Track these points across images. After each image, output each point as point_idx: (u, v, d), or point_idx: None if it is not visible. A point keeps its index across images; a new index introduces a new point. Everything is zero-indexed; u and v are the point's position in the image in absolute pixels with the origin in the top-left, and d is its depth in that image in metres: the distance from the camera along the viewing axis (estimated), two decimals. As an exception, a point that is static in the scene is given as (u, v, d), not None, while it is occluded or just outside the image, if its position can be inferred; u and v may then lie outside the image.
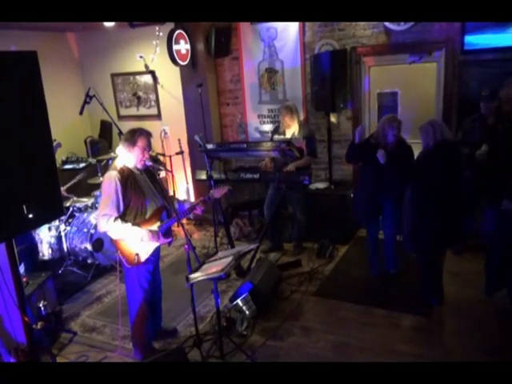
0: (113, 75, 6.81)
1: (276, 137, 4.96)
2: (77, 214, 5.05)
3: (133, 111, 6.82)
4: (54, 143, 4.60)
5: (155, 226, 3.22)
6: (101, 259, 4.87)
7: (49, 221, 4.04)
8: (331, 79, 4.95)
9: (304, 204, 5.00)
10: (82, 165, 6.07)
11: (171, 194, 6.15)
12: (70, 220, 5.02)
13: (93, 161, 5.92)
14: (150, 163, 3.23)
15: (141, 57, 6.39)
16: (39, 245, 4.91)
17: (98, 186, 5.15)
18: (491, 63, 4.54)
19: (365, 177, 4.25)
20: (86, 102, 4.67)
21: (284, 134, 4.89)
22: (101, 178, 5.06)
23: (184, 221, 3.73)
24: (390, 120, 3.98)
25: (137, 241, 3.14)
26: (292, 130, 4.84)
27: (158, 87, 6.54)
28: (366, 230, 4.54)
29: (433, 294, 3.90)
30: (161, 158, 6.32)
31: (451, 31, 4.68)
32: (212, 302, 4.04)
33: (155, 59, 6.23)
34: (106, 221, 3.03)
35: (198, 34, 5.73)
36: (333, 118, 5.49)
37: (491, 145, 4.06)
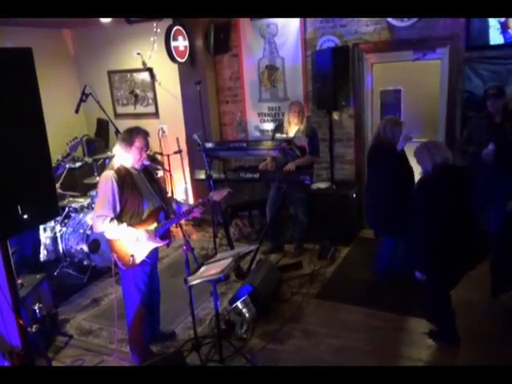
0: (109, 72, 6.81)
1: (278, 135, 4.96)
2: (73, 215, 5.05)
3: (130, 109, 6.82)
4: (76, 140, 4.59)
5: (152, 228, 3.21)
6: (97, 261, 4.86)
7: (44, 221, 4.04)
8: (333, 76, 4.95)
9: (306, 204, 5.00)
10: (78, 164, 6.07)
11: (169, 194, 6.14)
12: (66, 221, 5.01)
13: (89, 160, 5.91)
14: (147, 163, 3.23)
15: (138, 54, 6.38)
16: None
17: (94, 186, 5.15)
18: (496, 60, 4.54)
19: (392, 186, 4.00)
20: (82, 100, 4.68)
21: (286, 132, 4.89)
22: (97, 178, 5.05)
23: (182, 221, 3.73)
24: (393, 123, 4.00)
25: (133, 241, 3.14)
26: (296, 128, 4.84)
27: (156, 85, 6.53)
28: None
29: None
30: (158, 157, 6.32)
31: (456, 27, 4.68)
32: (211, 304, 4.04)
33: (153, 56, 6.23)
34: (101, 221, 3.03)
35: (197, 30, 5.72)
36: (335, 117, 5.49)
37: (498, 144, 4.06)
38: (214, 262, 3.34)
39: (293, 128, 4.86)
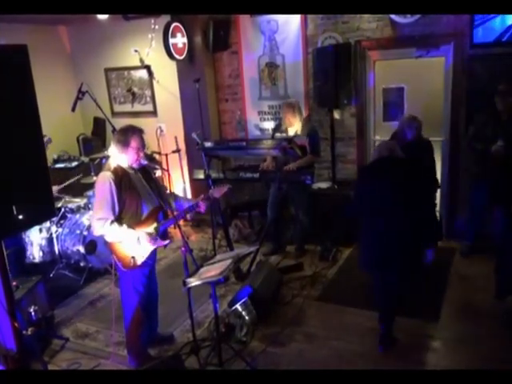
0: (106, 70, 6.81)
1: (278, 135, 4.97)
2: (69, 215, 5.05)
3: (127, 108, 6.82)
4: (44, 139, 4.59)
5: (151, 228, 3.21)
6: (94, 262, 4.86)
7: (40, 222, 4.03)
8: (334, 74, 4.95)
9: (307, 204, 5.00)
10: (74, 163, 6.07)
11: (168, 191, 6.15)
12: (62, 221, 5.01)
13: (86, 159, 5.91)
14: (145, 162, 3.22)
15: (136, 51, 6.37)
16: (29, 247, 4.90)
17: (91, 186, 5.15)
18: (502, 57, 4.54)
19: None
20: (78, 98, 4.67)
21: (286, 131, 4.90)
22: (94, 178, 5.06)
23: (181, 222, 3.73)
24: (409, 121, 4.22)
25: (133, 243, 3.14)
26: (294, 127, 4.85)
27: (154, 82, 6.53)
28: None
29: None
30: (157, 156, 6.32)
31: (460, 24, 4.68)
32: (210, 306, 4.04)
33: (151, 53, 6.22)
34: (101, 224, 3.02)
35: (196, 26, 5.72)
36: (336, 115, 5.49)
37: (506, 141, 4.07)
38: (213, 263, 3.34)
39: (294, 126, 4.86)
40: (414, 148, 4.16)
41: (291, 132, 4.86)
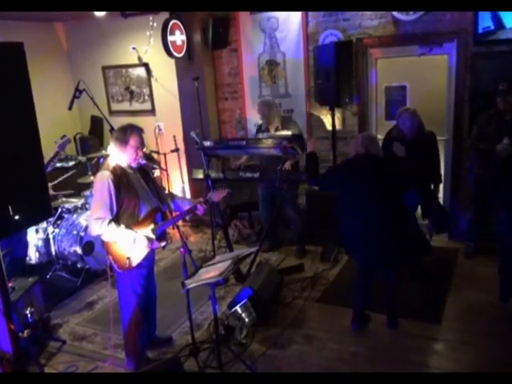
0: (104, 68, 6.81)
1: (260, 135, 5.03)
2: (66, 216, 5.05)
3: (125, 106, 6.82)
4: (64, 139, 4.61)
5: (149, 229, 3.21)
6: (91, 263, 4.86)
7: (36, 222, 4.04)
8: (336, 72, 4.95)
9: (296, 201, 5.03)
10: (71, 163, 6.06)
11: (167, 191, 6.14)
12: (59, 222, 5.02)
13: (83, 159, 5.91)
14: (144, 162, 3.23)
15: (134, 48, 6.39)
16: (26, 248, 4.91)
17: (88, 186, 5.15)
18: (506, 55, 4.54)
19: None
20: (75, 97, 4.68)
21: (268, 130, 4.96)
22: (91, 177, 5.06)
23: (180, 223, 3.73)
24: (398, 114, 4.34)
25: (130, 244, 3.14)
26: (274, 125, 4.94)
27: (152, 81, 6.54)
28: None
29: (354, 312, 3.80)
30: (155, 155, 6.32)
31: (463, 21, 4.68)
32: (209, 308, 4.04)
33: (149, 51, 6.23)
34: (99, 224, 3.03)
35: (195, 24, 5.72)
36: (338, 114, 5.49)
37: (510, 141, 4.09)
38: (213, 264, 3.34)
39: (274, 124, 4.95)
40: (417, 143, 4.21)
41: (272, 130, 4.92)
